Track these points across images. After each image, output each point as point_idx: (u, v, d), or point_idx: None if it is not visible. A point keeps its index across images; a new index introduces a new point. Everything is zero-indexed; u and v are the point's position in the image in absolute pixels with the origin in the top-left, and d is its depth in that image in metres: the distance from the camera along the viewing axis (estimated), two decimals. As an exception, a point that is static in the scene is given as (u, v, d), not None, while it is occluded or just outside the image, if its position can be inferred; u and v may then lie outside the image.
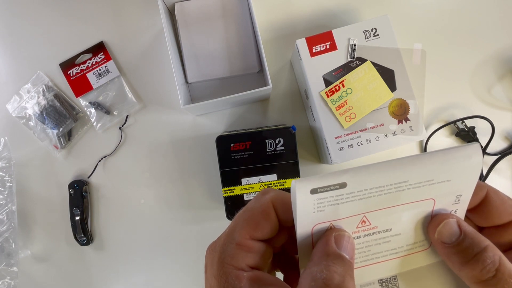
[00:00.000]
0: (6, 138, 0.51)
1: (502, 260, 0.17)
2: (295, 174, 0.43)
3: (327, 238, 0.19)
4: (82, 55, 0.52)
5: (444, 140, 0.51)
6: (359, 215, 0.19)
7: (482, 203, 0.20)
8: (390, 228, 0.20)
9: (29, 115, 0.51)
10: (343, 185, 0.18)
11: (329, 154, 0.42)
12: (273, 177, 0.43)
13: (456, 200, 0.20)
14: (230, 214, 0.43)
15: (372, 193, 0.18)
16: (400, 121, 0.42)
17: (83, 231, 0.49)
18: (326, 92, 0.42)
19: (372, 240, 0.20)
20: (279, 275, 0.23)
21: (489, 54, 0.51)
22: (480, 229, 0.21)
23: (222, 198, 0.45)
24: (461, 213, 0.20)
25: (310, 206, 0.18)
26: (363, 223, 0.19)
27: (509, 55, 0.51)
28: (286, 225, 0.21)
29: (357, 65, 0.42)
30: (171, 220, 0.51)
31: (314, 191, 0.17)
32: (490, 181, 0.50)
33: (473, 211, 0.21)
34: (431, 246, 0.20)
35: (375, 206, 0.19)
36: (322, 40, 0.42)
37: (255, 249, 0.20)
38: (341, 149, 0.42)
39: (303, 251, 0.20)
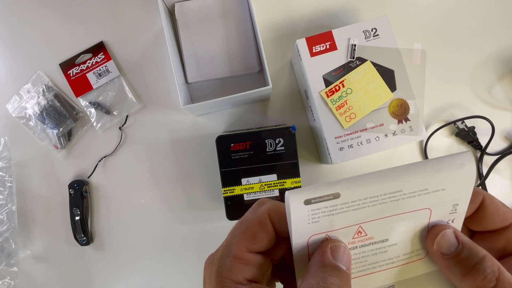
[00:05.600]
0: (6, 138, 0.51)
1: (501, 269, 0.17)
2: (295, 174, 0.43)
3: (323, 249, 0.19)
4: (82, 55, 0.52)
5: (444, 140, 0.51)
6: (355, 226, 0.19)
7: (477, 209, 0.20)
8: (387, 238, 0.20)
9: (29, 115, 0.51)
10: (336, 196, 0.18)
11: (329, 154, 0.42)
12: (273, 177, 0.43)
13: (452, 210, 0.19)
14: (230, 214, 0.43)
15: (367, 203, 0.18)
16: (400, 121, 0.42)
17: (83, 231, 0.49)
18: (326, 92, 0.42)
19: (368, 251, 0.20)
20: (279, 286, 0.24)
21: (489, 54, 0.51)
22: (472, 233, 0.22)
23: (222, 198, 0.45)
24: (458, 222, 0.20)
25: (304, 217, 0.18)
26: (359, 234, 0.19)
27: (509, 55, 0.51)
28: (283, 236, 0.21)
29: (357, 65, 0.42)
30: (171, 220, 0.51)
31: (307, 202, 0.17)
32: (490, 181, 0.50)
33: (467, 216, 0.21)
34: (428, 255, 0.20)
35: (370, 216, 0.19)
36: (322, 40, 0.42)
37: (252, 262, 0.20)
38: (341, 149, 0.42)
39: (299, 263, 0.20)
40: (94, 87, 0.51)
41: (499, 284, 0.17)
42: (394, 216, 0.19)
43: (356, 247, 0.20)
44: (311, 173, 0.51)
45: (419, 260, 0.21)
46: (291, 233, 0.19)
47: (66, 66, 0.52)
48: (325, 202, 0.18)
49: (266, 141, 0.42)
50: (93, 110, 0.51)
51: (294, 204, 0.17)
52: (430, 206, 0.19)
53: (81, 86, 0.51)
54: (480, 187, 0.49)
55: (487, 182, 0.50)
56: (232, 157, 0.43)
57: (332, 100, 0.42)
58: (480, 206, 0.20)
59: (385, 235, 0.20)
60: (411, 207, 0.19)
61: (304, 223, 0.18)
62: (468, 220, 0.21)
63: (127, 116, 0.51)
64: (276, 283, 0.24)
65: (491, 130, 0.47)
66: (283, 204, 0.21)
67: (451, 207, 0.19)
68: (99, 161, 0.51)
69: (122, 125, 0.51)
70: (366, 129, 0.42)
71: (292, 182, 0.43)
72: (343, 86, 0.42)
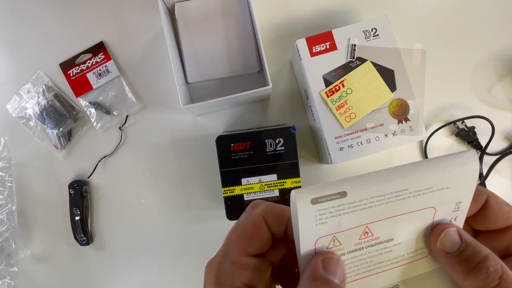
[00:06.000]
0: (6, 138, 0.51)
1: (504, 268, 0.17)
2: (295, 174, 0.43)
3: (314, 262, 0.18)
4: (82, 55, 0.52)
5: (444, 140, 0.51)
6: (362, 226, 0.19)
7: (481, 208, 0.20)
8: (392, 237, 0.20)
9: (29, 115, 0.51)
10: (343, 194, 0.17)
11: (329, 154, 0.42)
12: (273, 177, 0.43)
13: (456, 208, 0.19)
14: (230, 214, 0.43)
15: (373, 203, 0.18)
16: (400, 121, 0.42)
17: (83, 231, 0.49)
18: (326, 92, 0.42)
19: (374, 251, 0.20)
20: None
21: (489, 54, 0.51)
22: (476, 232, 0.22)
23: (222, 198, 0.45)
24: (460, 220, 0.20)
25: (312, 218, 0.18)
26: (366, 234, 0.19)
27: (509, 55, 0.51)
28: (279, 237, 0.21)
29: (357, 65, 0.42)
30: (171, 220, 0.51)
31: (314, 201, 0.17)
32: (490, 181, 0.50)
33: (471, 215, 0.21)
34: (431, 253, 0.20)
35: (377, 216, 0.19)
36: (322, 40, 0.42)
37: (250, 266, 0.20)
38: (341, 149, 0.42)
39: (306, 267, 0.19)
40: (94, 87, 0.51)
41: (502, 283, 0.17)
42: (399, 216, 0.19)
43: (363, 248, 0.19)
44: (311, 173, 0.51)
45: (423, 258, 0.21)
46: (298, 235, 0.18)
47: (66, 66, 0.52)
48: (332, 202, 0.17)
49: (266, 141, 0.42)
50: (93, 110, 0.51)
51: (301, 203, 0.17)
52: (434, 205, 0.19)
53: (81, 86, 0.51)
54: (480, 187, 0.49)
55: (487, 182, 0.50)
56: (232, 157, 0.43)
57: (332, 100, 0.42)
58: (484, 205, 0.20)
59: (391, 235, 0.20)
60: (416, 206, 0.19)
61: (311, 224, 0.18)
62: (472, 219, 0.21)
63: (127, 116, 0.51)
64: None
65: (491, 130, 0.47)
66: (277, 205, 0.21)
67: (454, 205, 0.19)
68: (99, 161, 0.51)
69: (122, 125, 0.51)
70: (366, 129, 0.42)
71: (292, 182, 0.43)
72: (343, 86, 0.42)
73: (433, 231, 0.20)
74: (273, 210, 0.21)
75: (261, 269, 0.20)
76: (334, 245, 0.19)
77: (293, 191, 0.17)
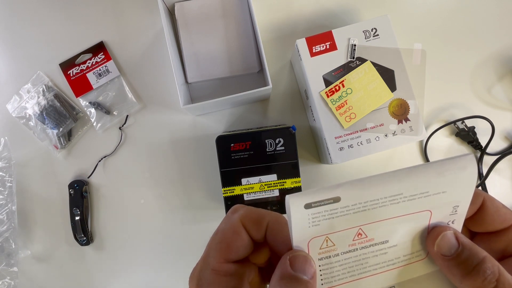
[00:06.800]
0: (6, 138, 0.51)
1: (501, 270, 0.17)
2: (295, 174, 0.43)
3: (282, 261, 0.18)
4: (82, 55, 0.52)
5: (444, 140, 0.51)
6: (355, 228, 0.19)
7: (478, 211, 0.20)
8: (387, 240, 0.20)
9: (29, 115, 0.51)
10: (337, 200, 0.18)
11: (329, 154, 0.42)
12: (273, 177, 0.43)
13: (453, 211, 0.19)
14: (230, 214, 0.43)
15: (367, 207, 0.18)
16: (400, 121, 0.42)
17: (83, 231, 0.49)
18: (326, 92, 0.42)
19: (369, 252, 0.20)
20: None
21: (489, 54, 0.51)
22: (473, 235, 0.22)
23: (222, 198, 0.45)
24: (458, 224, 0.20)
25: (305, 221, 0.18)
26: (359, 236, 0.19)
27: (509, 55, 0.51)
28: (259, 241, 0.21)
29: (357, 65, 0.42)
30: (171, 220, 0.51)
31: (308, 206, 0.17)
32: (490, 181, 0.50)
33: (467, 217, 0.21)
34: (428, 256, 0.20)
35: (370, 218, 0.19)
36: (322, 40, 0.42)
37: (231, 272, 0.20)
38: (341, 149, 0.42)
39: None
40: (94, 87, 0.51)
41: (499, 285, 0.17)
42: (394, 218, 0.19)
43: (357, 249, 0.20)
44: (311, 173, 0.51)
45: (420, 261, 0.21)
46: (291, 236, 0.19)
47: (66, 66, 0.52)
48: (326, 206, 0.18)
49: (266, 141, 0.42)
50: (93, 110, 0.51)
51: (295, 208, 0.17)
52: (430, 208, 0.19)
53: (81, 86, 0.51)
54: (480, 187, 0.49)
55: (487, 182, 0.50)
56: (232, 157, 0.43)
57: (332, 100, 0.42)
58: (481, 207, 0.20)
59: (385, 237, 0.20)
60: (411, 210, 0.19)
61: (304, 226, 0.18)
62: (469, 221, 0.21)
63: (127, 116, 0.51)
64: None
65: (491, 130, 0.47)
66: (256, 209, 0.21)
67: (451, 208, 0.19)
68: (99, 161, 0.51)
69: (122, 125, 0.51)
70: (366, 129, 0.42)
71: (292, 182, 0.43)
72: (343, 86, 0.42)
73: (430, 234, 0.20)
74: (251, 215, 0.21)
75: (244, 274, 0.20)
76: (327, 245, 0.19)
77: (287, 196, 0.17)
